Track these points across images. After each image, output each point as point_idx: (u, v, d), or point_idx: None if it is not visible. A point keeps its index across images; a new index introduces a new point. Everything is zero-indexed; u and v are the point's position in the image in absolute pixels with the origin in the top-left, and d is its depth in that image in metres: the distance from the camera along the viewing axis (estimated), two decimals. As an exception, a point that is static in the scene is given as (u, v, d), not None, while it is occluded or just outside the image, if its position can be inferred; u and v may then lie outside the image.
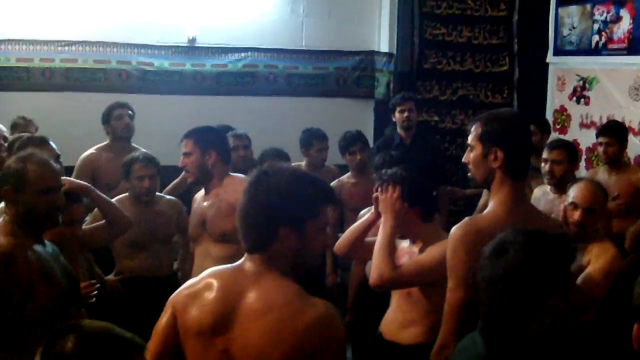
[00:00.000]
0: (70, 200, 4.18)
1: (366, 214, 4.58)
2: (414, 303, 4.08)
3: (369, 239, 4.47)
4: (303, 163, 7.01)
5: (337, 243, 4.61)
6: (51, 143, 5.05)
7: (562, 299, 2.34)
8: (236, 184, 4.66)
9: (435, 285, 3.79)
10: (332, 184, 6.49)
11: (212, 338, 2.61)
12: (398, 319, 4.21)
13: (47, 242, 3.57)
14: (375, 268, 3.87)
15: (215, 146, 4.90)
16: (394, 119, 7.51)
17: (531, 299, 2.32)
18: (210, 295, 2.65)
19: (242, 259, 2.74)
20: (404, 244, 4.26)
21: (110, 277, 5.44)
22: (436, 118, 9.04)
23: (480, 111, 8.73)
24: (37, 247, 3.41)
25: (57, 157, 4.99)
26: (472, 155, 3.41)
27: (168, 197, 5.82)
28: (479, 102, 9.18)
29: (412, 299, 4.08)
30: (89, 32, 8.73)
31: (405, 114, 7.33)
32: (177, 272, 5.80)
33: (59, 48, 8.66)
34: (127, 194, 5.58)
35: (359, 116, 9.18)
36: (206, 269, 2.84)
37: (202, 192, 5.06)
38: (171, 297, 2.78)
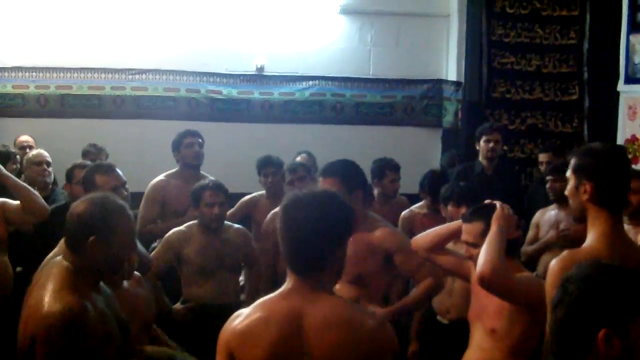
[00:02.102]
0: None
1: None
2: (496, 341, 3.91)
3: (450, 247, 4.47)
4: (374, 193, 6.94)
5: (418, 239, 4.50)
6: (118, 170, 5.06)
7: (616, 336, 2.25)
8: (375, 224, 4.63)
9: (520, 319, 3.75)
10: (404, 213, 6.41)
11: None
12: (479, 359, 4.09)
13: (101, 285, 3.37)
14: (487, 261, 3.65)
15: (361, 185, 4.66)
16: (477, 148, 7.39)
17: (576, 332, 2.26)
18: (269, 327, 2.71)
19: (289, 283, 2.81)
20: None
21: (178, 305, 5.46)
22: (505, 147, 8.94)
23: (549, 141, 8.68)
24: (95, 297, 3.21)
25: (123, 184, 5.03)
26: (567, 187, 3.39)
27: (236, 226, 5.82)
28: (549, 131, 9.10)
29: (496, 336, 3.92)
30: (159, 61, 8.89)
31: (491, 145, 7.23)
32: (243, 303, 5.76)
33: (130, 76, 8.84)
34: (195, 221, 5.60)
35: (426, 145, 9.16)
36: None
37: None
38: (223, 336, 2.82)
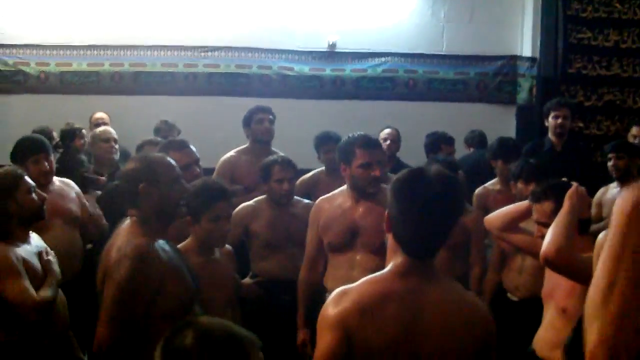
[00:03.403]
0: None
1: None
2: (567, 320, 3.81)
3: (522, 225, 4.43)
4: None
5: (490, 218, 4.55)
6: (191, 147, 5.09)
7: None
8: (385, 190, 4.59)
9: None
10: (478, 191, 6.30)
11: (400, 347, 2.54)
12: (551, 338, 3.96)
13: (169, 242, 3.64)
14: (552, 241, 3.59)
15: None
16: (546, 124, 7.26)
17: None
18: (393, 305, 2.56)
19: (401, 265, 2.63)
20: None
21: (247, 280, 5.47)
22: (580, 124, 8.80)
23: (627, 117, 8.47)
24: (165, 246, 3.51)
25: (196, 162, 5.05)
26: None
27: (306, 201, 5.78)
28: (627, 108, 8.91)
29: (567, 316, 3.83)
30: (231, 38, 8.94)
31: (559, 120, 7.09)
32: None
33: (202, 54, 8.91)
34: (264, 196, 5.60)
35: (500, 122, 9.02)
36: (354, 279, 2.74)
37: (339, 198, 4.87)
38: (333, 313, 2.58)
